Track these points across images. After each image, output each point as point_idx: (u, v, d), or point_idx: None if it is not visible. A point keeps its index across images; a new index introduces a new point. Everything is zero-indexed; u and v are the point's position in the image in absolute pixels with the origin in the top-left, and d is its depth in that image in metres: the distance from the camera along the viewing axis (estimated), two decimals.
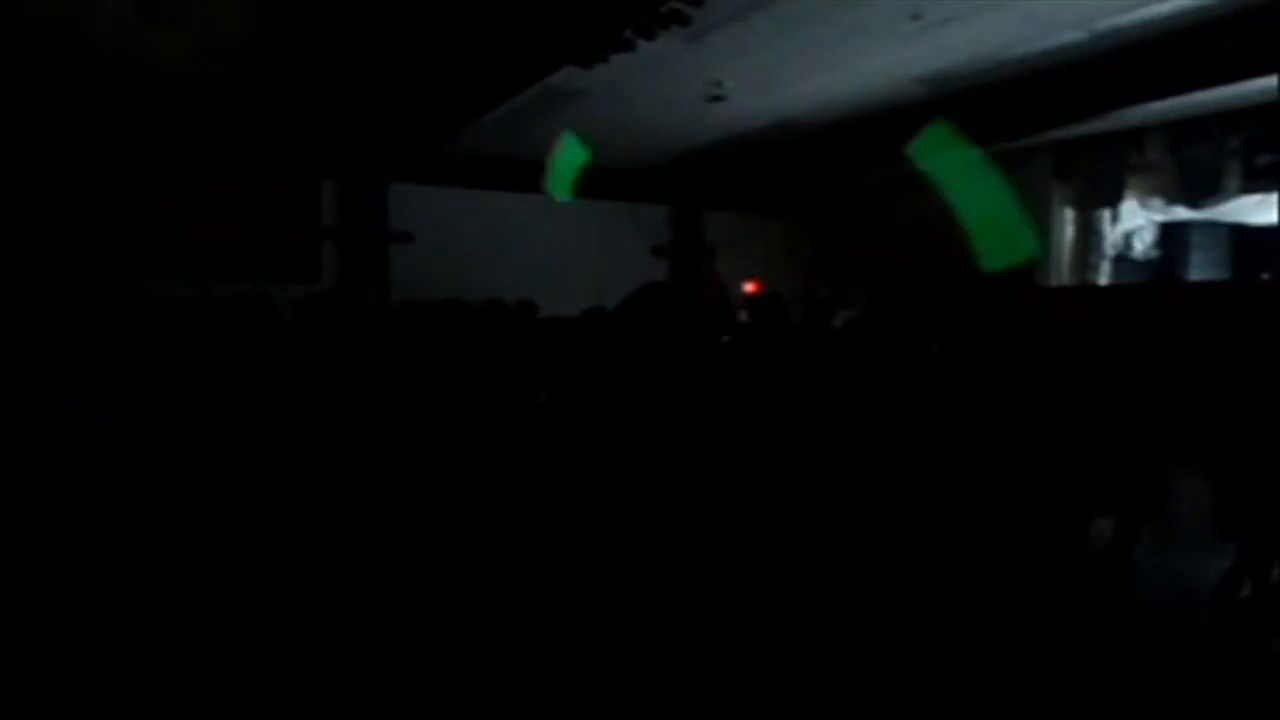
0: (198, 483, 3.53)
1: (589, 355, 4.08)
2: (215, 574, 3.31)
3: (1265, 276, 7.37)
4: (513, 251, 9.69)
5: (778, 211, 11.33)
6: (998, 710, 2.88)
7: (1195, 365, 4.45)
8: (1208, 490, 4.29)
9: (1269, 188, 7.16)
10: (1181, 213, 8.12)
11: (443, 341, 4.59)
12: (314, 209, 9.41)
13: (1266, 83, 6.33)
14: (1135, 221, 8.55)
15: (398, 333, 5.05)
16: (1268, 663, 3.58)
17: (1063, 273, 8.87)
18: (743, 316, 4.37)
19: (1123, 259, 8.71)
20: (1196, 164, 7.77)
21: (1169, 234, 8.44)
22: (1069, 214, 8.94)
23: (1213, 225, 8.15)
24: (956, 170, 3.85)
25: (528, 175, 10.12)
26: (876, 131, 7.84)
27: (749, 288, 9.22)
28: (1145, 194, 8.28)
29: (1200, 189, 7.79)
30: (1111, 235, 8.71)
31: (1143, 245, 8.61)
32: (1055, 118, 7.92)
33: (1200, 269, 8.12)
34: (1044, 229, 8.89)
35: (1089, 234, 8.85)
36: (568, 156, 6.64)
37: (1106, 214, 8.68)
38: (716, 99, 7.87)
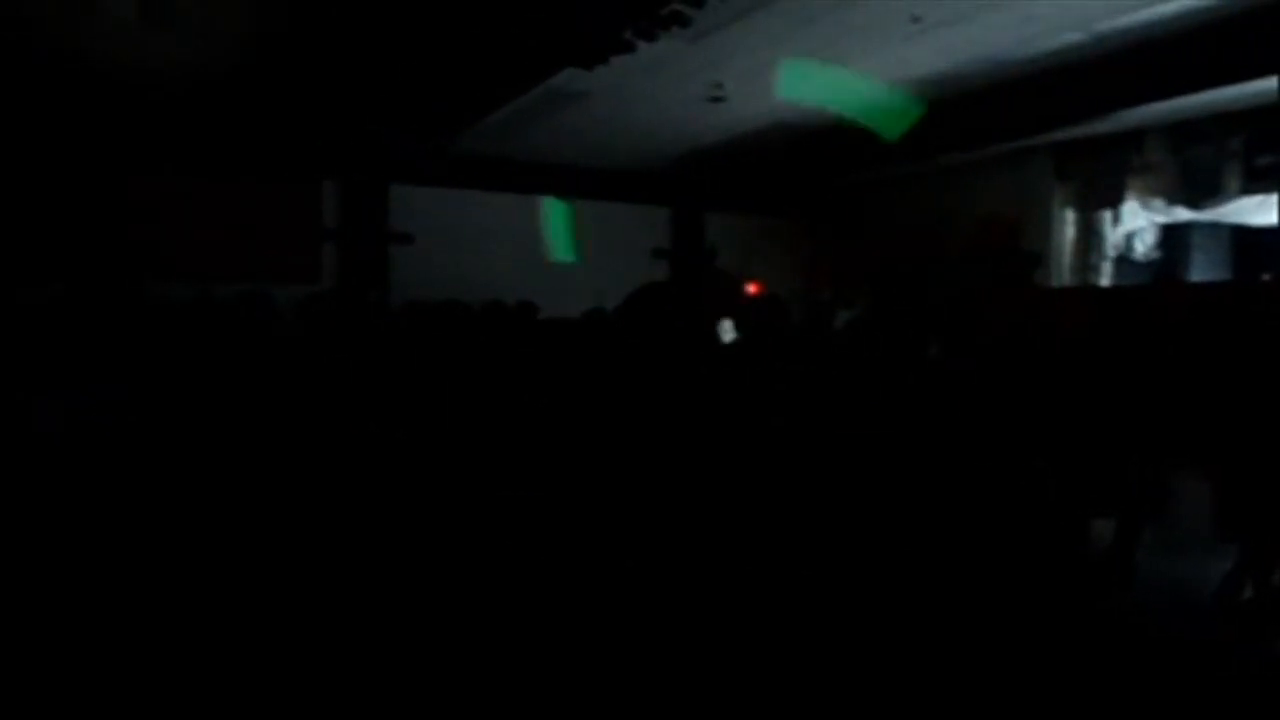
0: (198, 483, 3.53)
1: (589, 357, 4.08)
2: (216, 574, 3.30)
3: (1266, 277, 7.36)
4: (513, 253, 9.71)
5: (778, 213, 11.33)
6: (998, 711, 2.88)
7: (1196, 366, 4.44)
8: (1208, 492, 4.29)
9: (1270, 189, 7.15)
10: (1183, 214, 8.11)
11: (443, 342, 4.59)
12: (314, 209, 9.41)
13: (1267, 84, 6.32)
14: (1136, 222, 8.53)
15: (398, 333, 5.04)
16: (1269, 665, 3.57)
17: (1064, 274, 8.87)
18: (726, 325, 4.29)
19: (1124, 260, 8.69)
20: (1197, 165, 7.76)
21: (1170, 235, 8.42)
22: (1070, 215, 8.94)
23: (1214, 226, 8.13)
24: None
25: (528, 176, 10.20)
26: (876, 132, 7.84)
27: (750, 289, 9.23)
28: (1146, 195, 8.27)
29: (1201, 190, 7.78)
30: (1113, 236, 8.70)
31: (1144, 246, 8.59)
32: (1056, 119, 7.92)
33: (1201, 270, 8.10)
34: (1045, 230, 8.91)
35: (1090, 235, 8.84)
36: (555, 218, 6.65)
37: (1107, 215, 8.67)
38: (717, 100, 7.86)
